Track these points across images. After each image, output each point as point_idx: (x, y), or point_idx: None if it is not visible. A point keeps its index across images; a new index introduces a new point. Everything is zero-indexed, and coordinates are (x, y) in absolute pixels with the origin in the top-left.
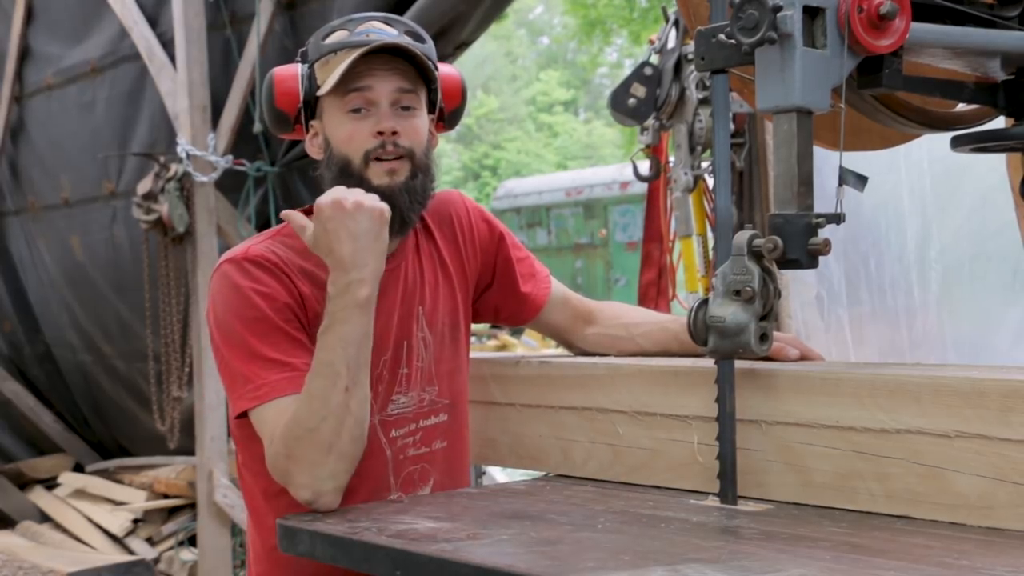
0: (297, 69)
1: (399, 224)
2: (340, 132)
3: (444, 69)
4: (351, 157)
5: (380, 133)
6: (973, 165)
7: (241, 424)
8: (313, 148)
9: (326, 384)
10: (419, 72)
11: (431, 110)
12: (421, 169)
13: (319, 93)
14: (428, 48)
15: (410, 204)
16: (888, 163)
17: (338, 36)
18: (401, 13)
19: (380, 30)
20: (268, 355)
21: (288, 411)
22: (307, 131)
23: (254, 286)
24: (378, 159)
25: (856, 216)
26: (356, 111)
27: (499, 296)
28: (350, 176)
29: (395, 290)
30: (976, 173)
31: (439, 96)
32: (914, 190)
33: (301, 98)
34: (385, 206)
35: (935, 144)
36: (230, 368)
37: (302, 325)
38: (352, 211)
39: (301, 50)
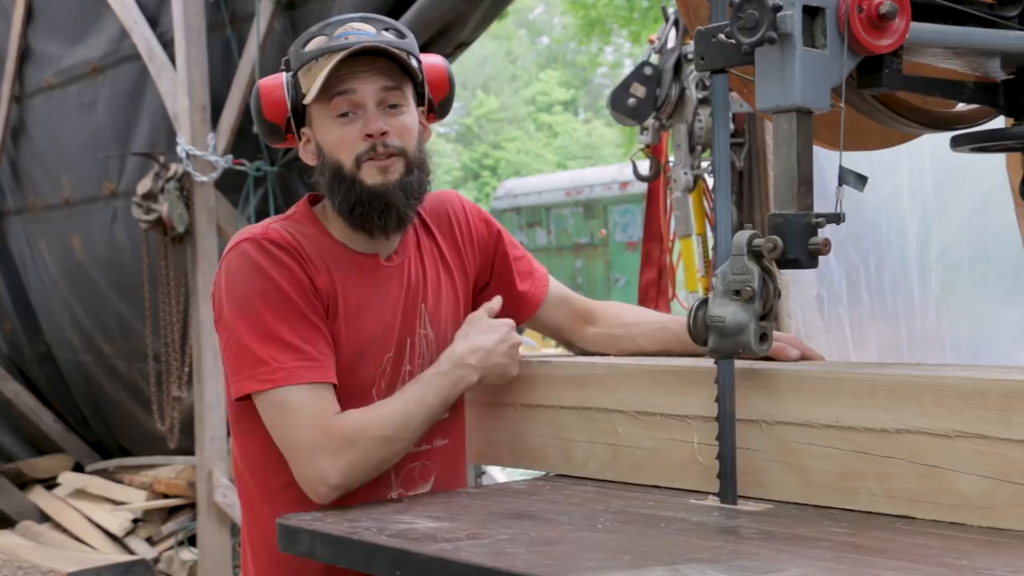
0: (282, 78)
1: (396, 221)
2: (330, 137)
3: (428, 60)
4: (343, 161)
5: (369, 136)
6: (975, 166)
7: (242, 414)
8: (307, 155)
9: (421, 419)
10: (402, 68)
11: (420, 103)
12: (415, 165)
13: (304, 101)
14: (408, 43)
15: (406, 201)
16: (890, 164)
17: (317, 42)
18: (400, 14)
19: (359, 31)
20: (287, 339)
21: (309, 401)
22: (299, 139)
23: (277, 267)
24: (370, 160)
25: (857, 216)
26: (343, 115)
27: (496, 293)
28: (343, 180)
29: (399, 287)
30: (978, 174)
31: (426, 88)
32: (915, 191)
33: (288, 107)
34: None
35: (937, 145)
36: (243, 348)
37: (320, 310)
38: (507, 333)
39: (284, 59)
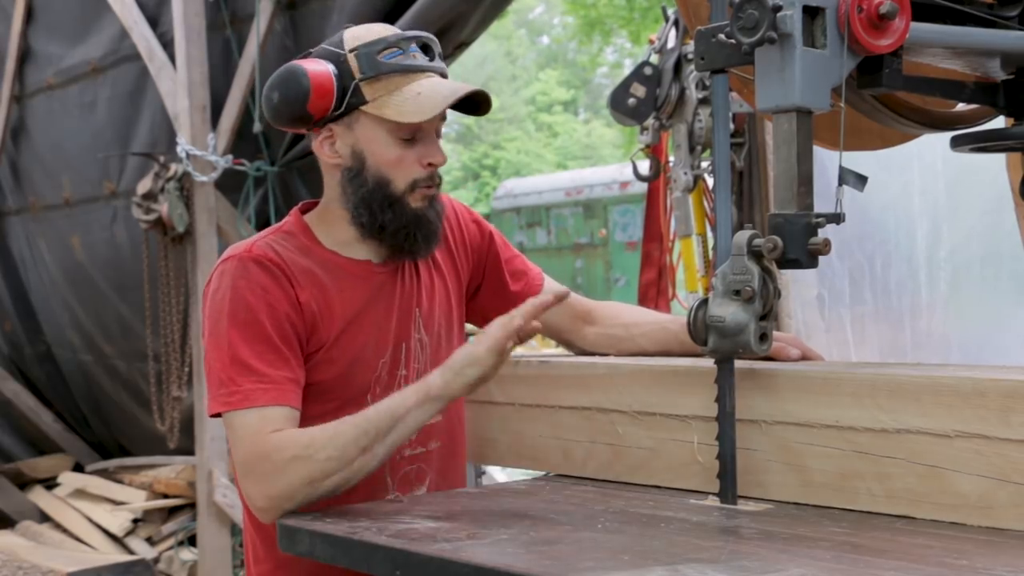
0: (330, 72)
1: (432, 244)
2: (386, 154)
3: None
4: (395, 180)
5: (431, 165)
6: (988, 166)
7: None
8: (324, 150)
9: (351, 436)
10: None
11: None
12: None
13: (392, 118)
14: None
15: (440, 222)
16: (900, 163)
17: (393, 55)
18: (400, 14)
19: (424, 53)
20: (248, 361)
21: (254, 424)
22: (320, 130)
23: (252, 287)
24: (424, 187)
25: (864, 216)
26: (407, 138)
27: (489, 296)
28: (389, 199)
29: (393, 292)
30: (991, 173)
31: None
32: (926, 190)
33: (334, 105)
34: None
35: (948, 145)
36: (210, 366)
37: (295, 332)
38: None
39: (338, 51)
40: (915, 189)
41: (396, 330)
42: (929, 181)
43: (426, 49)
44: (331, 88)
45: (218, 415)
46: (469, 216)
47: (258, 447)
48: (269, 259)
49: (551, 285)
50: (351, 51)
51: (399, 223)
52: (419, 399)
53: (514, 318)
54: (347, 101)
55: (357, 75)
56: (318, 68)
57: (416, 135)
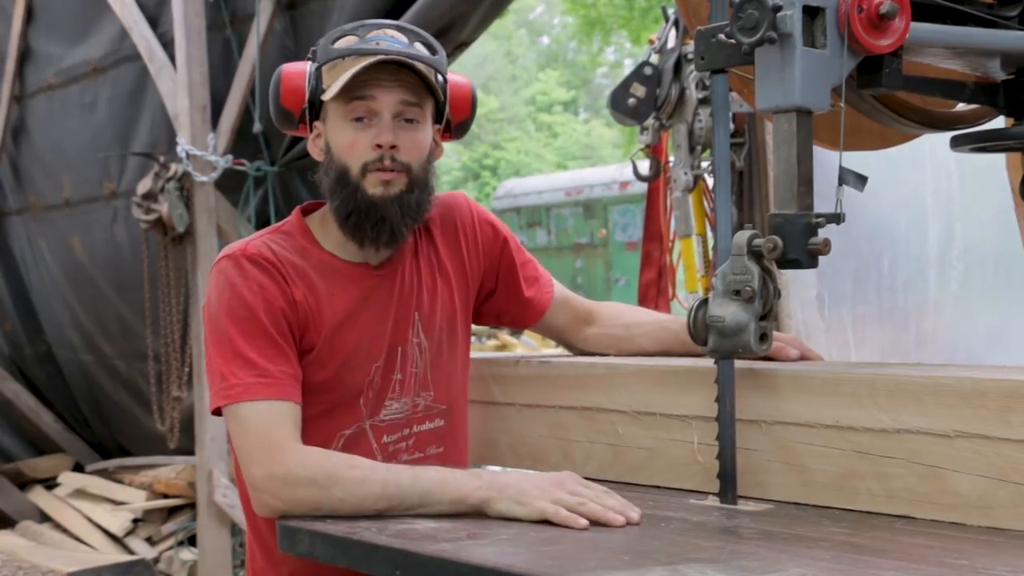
0: (306, 68)
1: (388, 236)
2: (341, 139)
3: (455, 79)
4: (349, 166)
5: (379, 146)
6: (1005, 164)
7: None
8: (315, 149)
9: (376, 493)
10: (426, 85)
11: (438, 120)
12: (418, 184)
13: (323, 97)
14: (438, 60)
15: (401, 218)
16: (912, 162)
17: (347, 41)
18: (401, 13)
19: (391, 38)
20: (248, 356)
21: (258, 416)
22: (310, 130)
23: (248, 284)
24: (375, 170)
25: (873, 214)
26: (358, 120)
27: (503, 301)
28: (347, 185)
29: (389, 295)
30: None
31: (447, 108)
32: (939, 189)
33: (306, 98)
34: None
35: None
36: (211, 363)
37: (290, 329)
38: (560, 490)
39: (312, 49)
40: (928, 188)
41: (391, 334)
42: (943, 179)
43: (404, 33)
44: (301, 84)
45: (219, 412)
46: (484, 218)
47: (268, 443)
48: (264, 257)
49: (559, 289)
50: (319, 44)
51: (350, 208)
52: (454, 500)
53: (585, 504)
54: (315, 93)
55: (318, 65)
56: (292, 66)
57: (372, 119)
